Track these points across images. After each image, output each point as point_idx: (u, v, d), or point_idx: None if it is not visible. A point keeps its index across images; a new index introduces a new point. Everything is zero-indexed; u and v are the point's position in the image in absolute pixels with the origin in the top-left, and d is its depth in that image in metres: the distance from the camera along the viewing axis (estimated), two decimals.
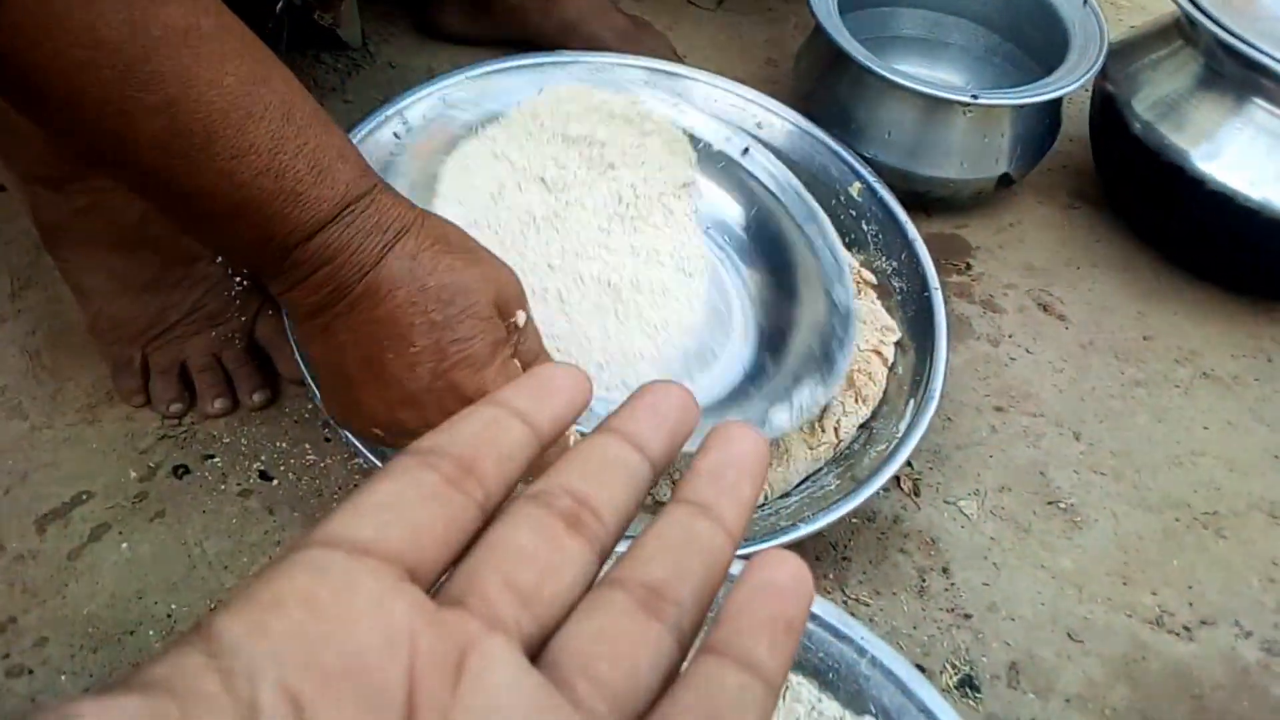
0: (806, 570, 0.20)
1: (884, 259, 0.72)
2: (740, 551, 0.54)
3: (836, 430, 0.64)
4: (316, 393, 0.52)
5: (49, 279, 0.72)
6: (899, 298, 0.71)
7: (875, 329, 0.67)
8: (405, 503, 0.19)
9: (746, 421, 0.23)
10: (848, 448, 0.65)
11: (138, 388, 0.66)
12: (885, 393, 0.67)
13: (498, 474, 0.20)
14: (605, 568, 0.21)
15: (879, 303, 0.70)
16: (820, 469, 0.64)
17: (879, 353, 0.67)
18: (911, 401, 0.64)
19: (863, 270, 0.71)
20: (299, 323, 0.46)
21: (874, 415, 0.66)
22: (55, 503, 0.61)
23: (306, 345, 0.48)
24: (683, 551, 0.20)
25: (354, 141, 0.69)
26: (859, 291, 0.70)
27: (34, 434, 0.65)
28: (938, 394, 0.64)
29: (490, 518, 0.20)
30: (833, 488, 0.62)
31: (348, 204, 0.42)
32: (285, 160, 0.40)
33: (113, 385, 0.67)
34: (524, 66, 0.77)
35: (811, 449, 0.63)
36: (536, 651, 0.19)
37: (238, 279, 0.66)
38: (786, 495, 0.63)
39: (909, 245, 0.71)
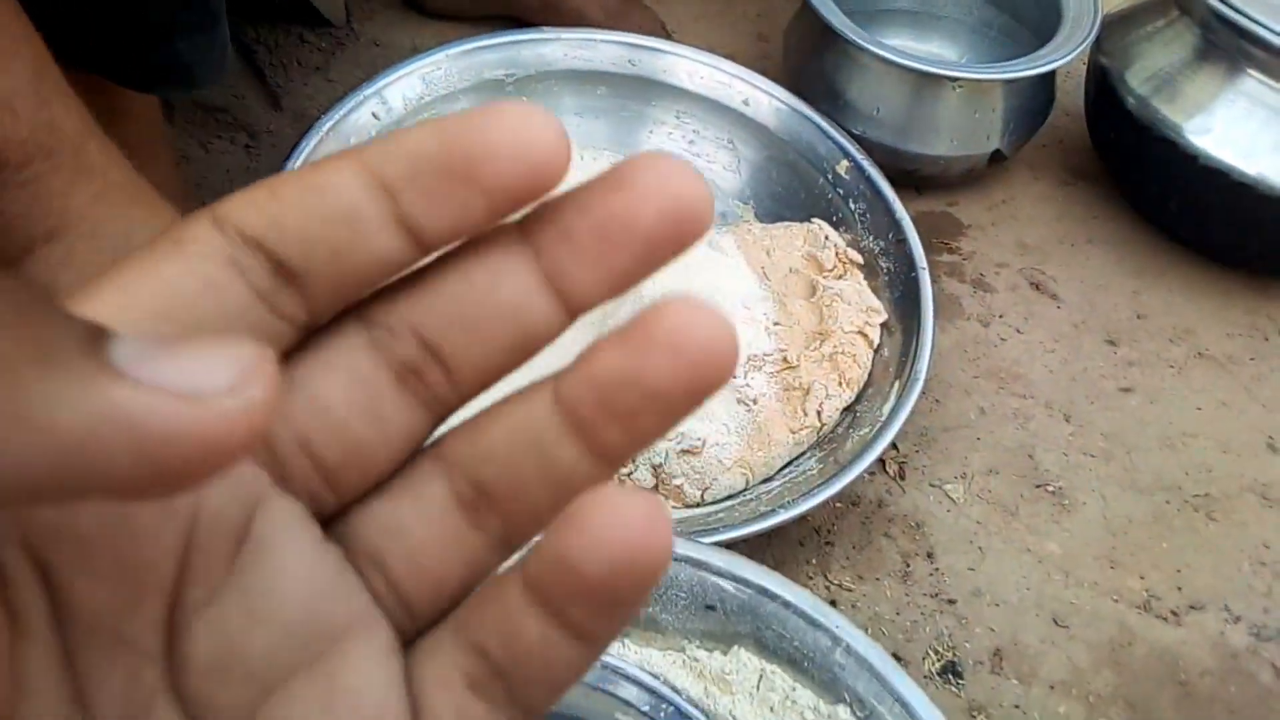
0: (666, 528, 0.14)
1: (871, 238, 0.71)
2: (715, 539, 0.54)
3: (819, 413, 0.63)
4: None
5: None
6: (886, 278, 0.69)
7: (860, 310, 0.66)
8: (202, 320, 0.14)
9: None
10: (831, 431, 0.64)
11: None
12: (870, 375, 0.66)
13: (332, 292, 0.15)
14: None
15: (865, 283, 0.69)
16: (803, 453, 0.63)
17: (864, 334, 0.66)
18: (896, 383, 0.63)
19: (849, 250, 0.70)
20: None
21: (858, 398, 0.65)
22: None
23: None
24: (530, 461, 0.15)
25: (333, 122, 0.69)
26: (844, 272, 0.68)
27: None
28: (923, 376, 0.63)
29: (307, 332, 0.15)
30: (815, 471, 0.61)
31: None
32: None
33: None
34: (506, 44, 0.76)
35: (794, 432, 0.62)
36: (331, 513, 0.16)
37: None
38: (768, 480, 0.62)
39: (896, 224, 0.70)
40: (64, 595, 0.13)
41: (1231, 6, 0.71)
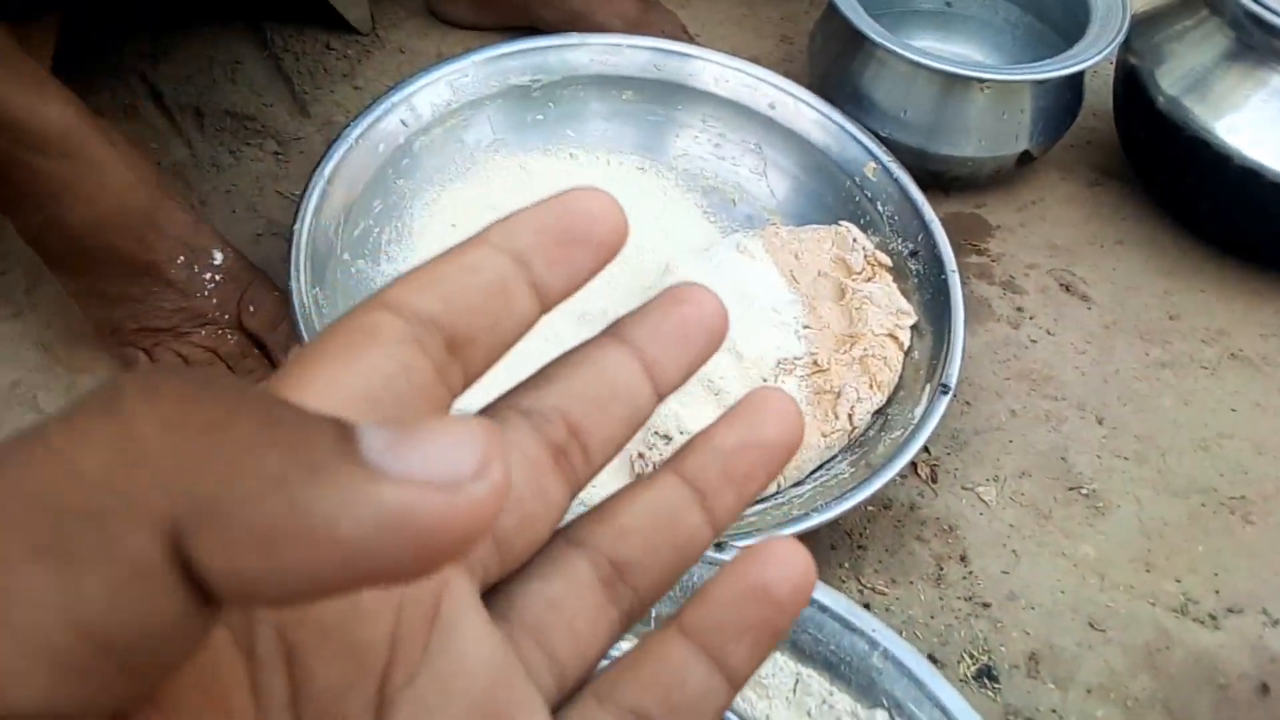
0: (812, 572, 0.18)
1: (899, 240, 0.71)
2: (748, 544, 0.54)
3: (851, 416, 0.63)
4: None
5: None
6: (915, 280, 0.69)
7: (890, 313, 0.66)
8: (400, 401, 0.16)
9: (787, 395, 0.20)
10: (862, 434, 0.63)
11: None
12: (901, 378, 0.65)
13: (486, 359, 0.17)
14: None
15: (894, 286, 0.68)
16: (833, 456, 0.63)
17: (894, 337, 0.66)
18: (928, 387, 0.63)
19: (877, 253, 0.69)
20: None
21: (889, 401, 0.65)
22: None
23: None
24: (661, 538, 0.19)
25: (362, 129, 0.70)
26: (873, 274, 0.68)
27: None
28: (955, 379, 0.62)
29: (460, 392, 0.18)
30: (846, 475, 0.61)
31: None
32: None
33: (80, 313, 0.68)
34: (532, 50, 0.77)
35: (825, 436, 0.62)
36: (491, 586, 0.18)
37: (206, 276, 0.66)
38: (799, 484, 0.62)
39: (925, 227, 0.70)
40: (302, 676, 0.15)
41: (1263, 5, 0.70)
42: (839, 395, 0.63)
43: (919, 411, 0.62)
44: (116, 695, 0.11)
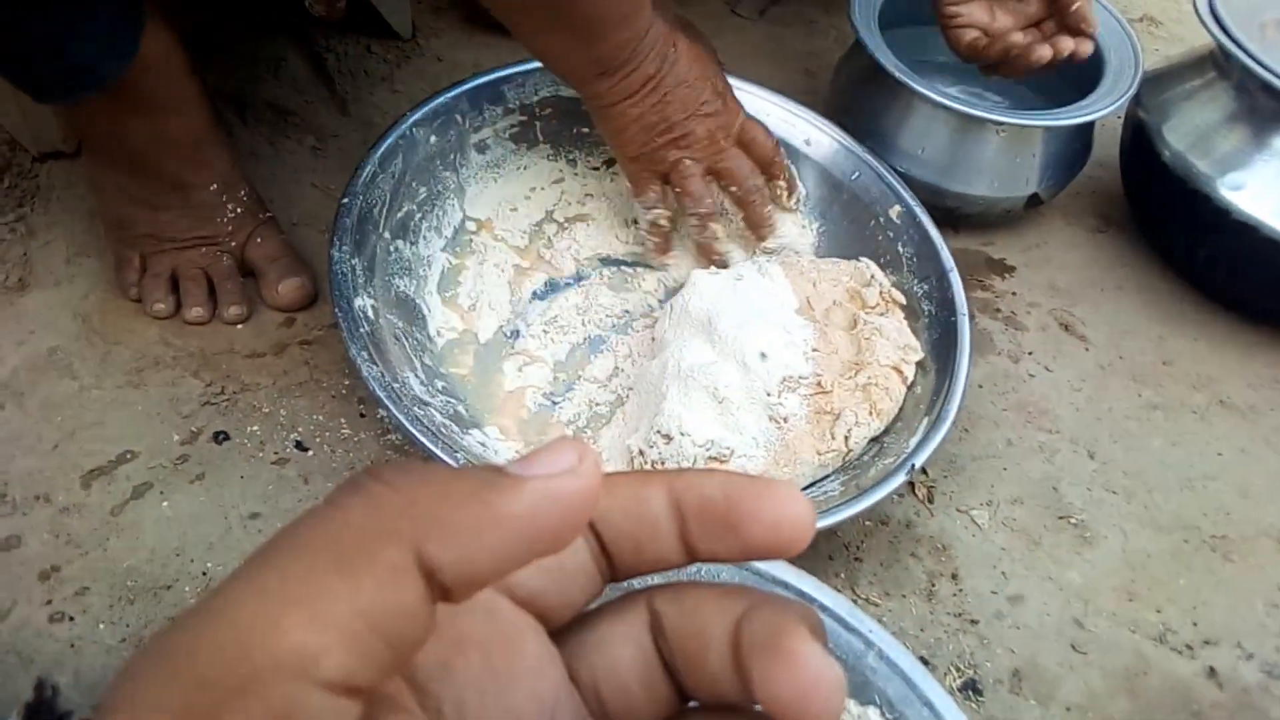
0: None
1: (915, 281, 0.73)
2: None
3: (847, 439, 0.64)
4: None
5: (103, 246, 0.75)
6: (926, 320, 0.72)
7: (898, 347, 0.68)
8: (563, 569, 0.21)
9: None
10: (856, 459, 0.66)
11: (133, 283, 0.72)
12: (901, 410, 0.67)
13: (628, 569, 0.22)
14: None
15: (905, 323, 0.71)
16: (826, 476, 0.65)
17: (899, 370, 0.67)
18: (925, 419, 0.65)
19: (893, 290, 0.72)
20: (630, 98, 0.67)
21: (886, 430, 0.67)
22: (101, 460, 0.64)
23: (633, 113, 0.68)
24: None
25: (417, 118, 0.73)
26: (886, 310, 0.71)
27: (83, 394, 0.67)
28: (952, 415, 0.64)
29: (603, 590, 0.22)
30: (836, 494, 0.62)
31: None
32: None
33: (114, 278, 0.73)
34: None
35: (820, 454, 0.64)
36: None
37: (230, 206, 0.73)
38: None
39: (943, 272, 0.72)
40: None
41: (1268, 69, 0.74)
42: (838, 417, 0.65)
43: (914, 442, 0.64)
44: (383, 668, 0.16)
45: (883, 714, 0.50)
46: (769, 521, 0.20)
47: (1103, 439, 0.75)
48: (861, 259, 0.74)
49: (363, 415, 0.69)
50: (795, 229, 0.77)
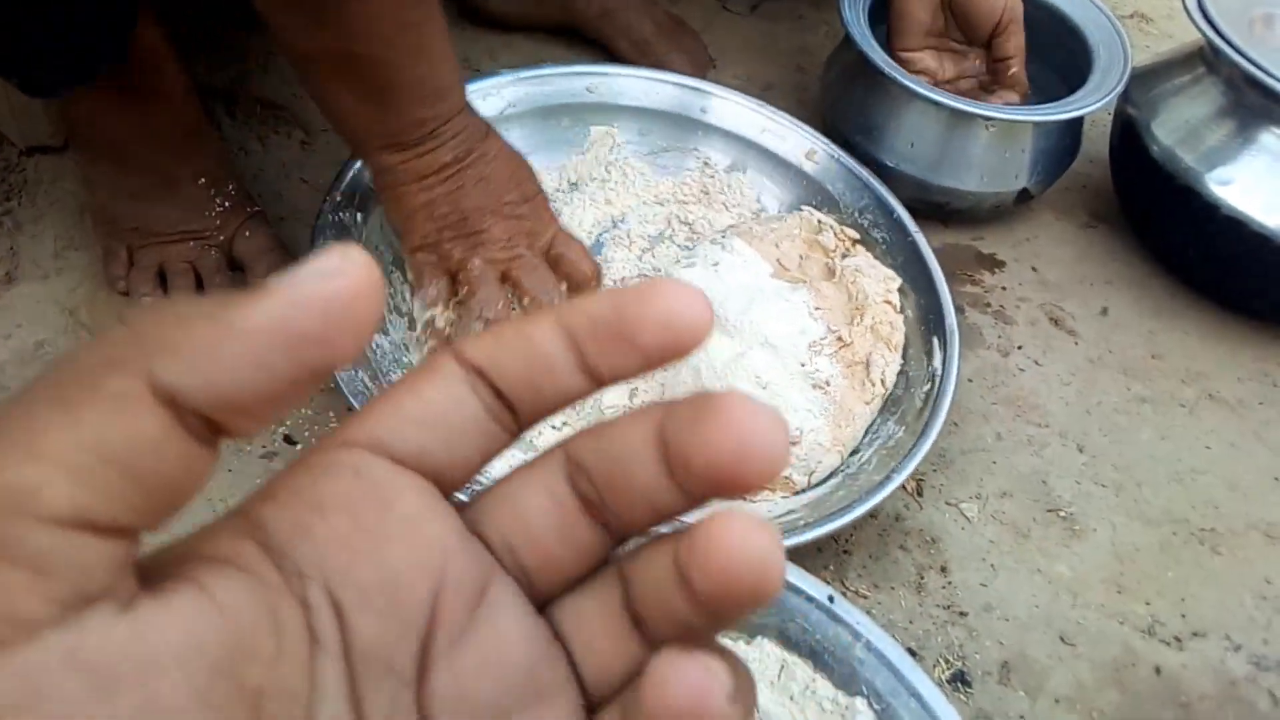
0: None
1: (856, 214, 0.77)
2: (832, 527, 0.58)
3: (883, 381, 0.68)
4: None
5: (91, 239, 0.74)
6: (884, 246, 0.75)
7: (879, 280, 0.71)
8: (449, 424, 0.19)
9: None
10: (892, 394, 0.68)
11: (120, 277, 0.72)
12: (905, 336, 0.71)
13: (533, 413, 0.20)
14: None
15: (870, 255, 0.74)
16: (875, 420, 0.68)
17: (889, 302, 0.71)
18: (934, 339, 0.69)
19: (845, 229, 0.75)
20: (421, 181, 0.62)
21: (904, 359, 0.70)
22: None
23: (421, 199, 0.62)
24: (672, 589, 0.19)
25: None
26: (849, 249, 0.73)
27: None
28: (955, 329, 0.69)
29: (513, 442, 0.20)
30: (902, 434, 0.65)
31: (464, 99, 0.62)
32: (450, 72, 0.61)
33: (101, 272, 0.73)
34: (558, 75, 0.80)
35: (867, 403, 0.67)
36: (538, 606, 0.20)
37: (219, 200, 0.73)
38: (857, 451, 0.66)
39: (878, 198, 0.77)
40: (351, 628, 0.18)
41: (1257, 66, 0.74)
42: (868, 364, 0.68)
43: (939, 361, 0.68)
44: (127, 502, 0.15)
45: (870, 705, 0.50)
46: (660, 320, 0.18)
47: (1092, 432, 0.75)
48: (802, 208, 0.77)
49: (350, 409, 0.68)
50: None
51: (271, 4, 0.57)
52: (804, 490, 0.64)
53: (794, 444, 0.63)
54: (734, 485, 0.18)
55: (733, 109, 0.81)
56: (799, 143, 0.80)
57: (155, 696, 0.15)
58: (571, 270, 0.65)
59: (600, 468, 0.19)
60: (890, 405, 0.68)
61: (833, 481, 0.64)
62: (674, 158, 0.82)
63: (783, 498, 0.63)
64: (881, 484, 0.60)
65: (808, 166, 0.79)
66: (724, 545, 0.17)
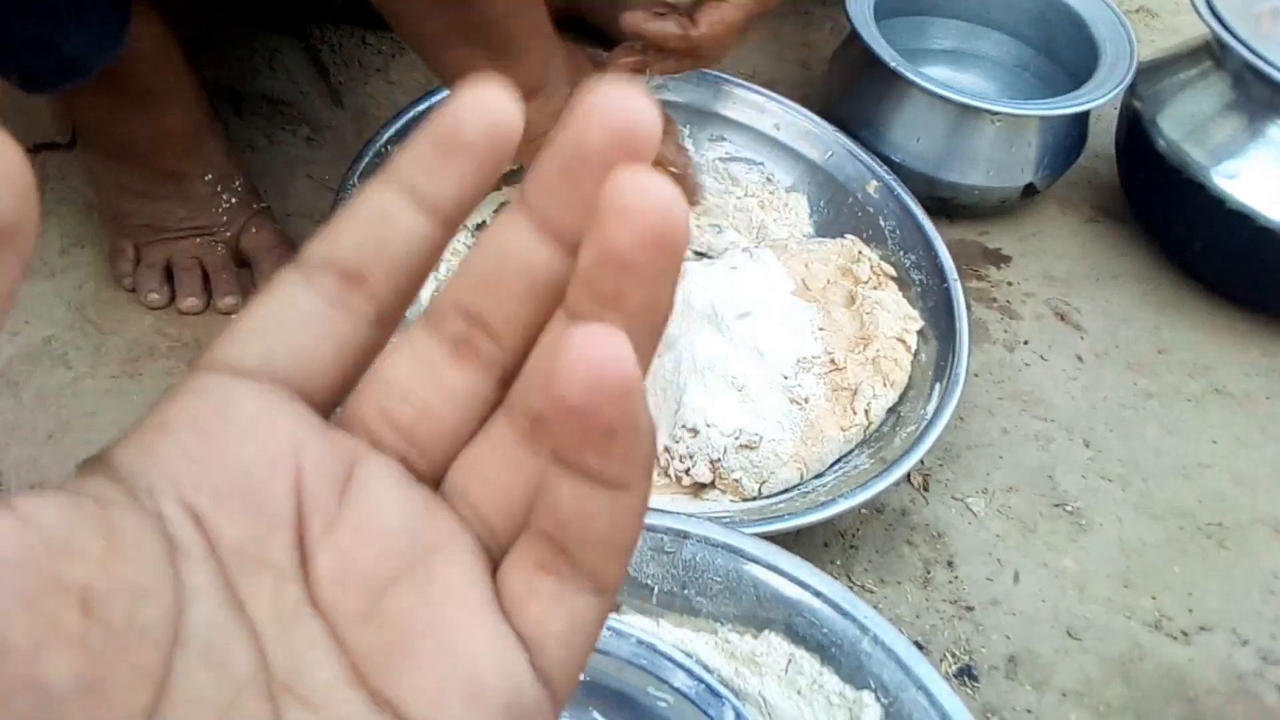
0: (620, 344, 0.16)
1: (901, 253, 0.75)
2: (766, 530, 0.57)
3: (867, 412, 0.66)
4: None
5: (98, 236, 0.75)
6: (918, 290, 0.73)
7: (898, 318, 0.70)
8: (288, 323, 0.19)
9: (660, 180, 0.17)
10: (876, 430, 0.67)
11: (127, 274, 0.72)
12: (910, 379, 0.69)
13: (389, 283, 0.19)
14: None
15: (899, 293, 0.72)
16: (851, 450, 0.66)
17: (903, 340, 0.69)
18: (938, 385, 0.67)
19: (882, 264, 0.73)
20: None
21: (901, 400, 0.68)
22: (96, 449, 0.64)
23: None
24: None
25: (416, 113, 0.74)
26: (880, 284, 0.72)
27: (77, 383, 0.67)
28: (963, 377, 0.66)
29: (385, 330, 0.20)
30: (866, 466, 0.64)
31: None
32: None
33: (108, 268, 0.73)
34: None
35: (844, 430, 0.65)
36: (428, 479, 0.19)
37: (225, 197, 0.73)
38: (821, 475, 0.65)
39: (927, 241, 0.74)
40: (213, 531, 0.17)
41: (1264, 59, 0.74)
42: (855, 392, 0.66)
43: (930, 408, 0.65)
44: None
45: (878, 698, 0.51)
46: (475, 115, 0.18)
47: (1098, 427, 0.75)
48: (847, 236, 0.76)
49: None
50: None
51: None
52: (754, 499, 0.63)
53: (751, 449, 0.63)
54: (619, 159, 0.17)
55: (802, 130, 0.82)
56: (859, 172, 0.79)
57: None
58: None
59: (469, 297, 0.19)
60: (871, 441, 0.66)
61: (784, 496, 0.63)
62: (740, 168, 0.83)
63: (731, 501, 0.63)
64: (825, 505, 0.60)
65: (863, 197, 0.79)
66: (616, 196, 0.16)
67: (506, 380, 0.19)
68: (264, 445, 0.18)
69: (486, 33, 0.60)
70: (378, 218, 0.18)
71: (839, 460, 0.65)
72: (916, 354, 0.69)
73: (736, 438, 0.62)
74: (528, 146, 0.65)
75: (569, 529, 0.17)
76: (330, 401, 0.19)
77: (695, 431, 0.63)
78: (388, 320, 0.19)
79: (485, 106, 0.18)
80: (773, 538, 0.57)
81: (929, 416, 0.64)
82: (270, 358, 0.18)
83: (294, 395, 0.19)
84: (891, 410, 0.67)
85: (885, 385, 0.66)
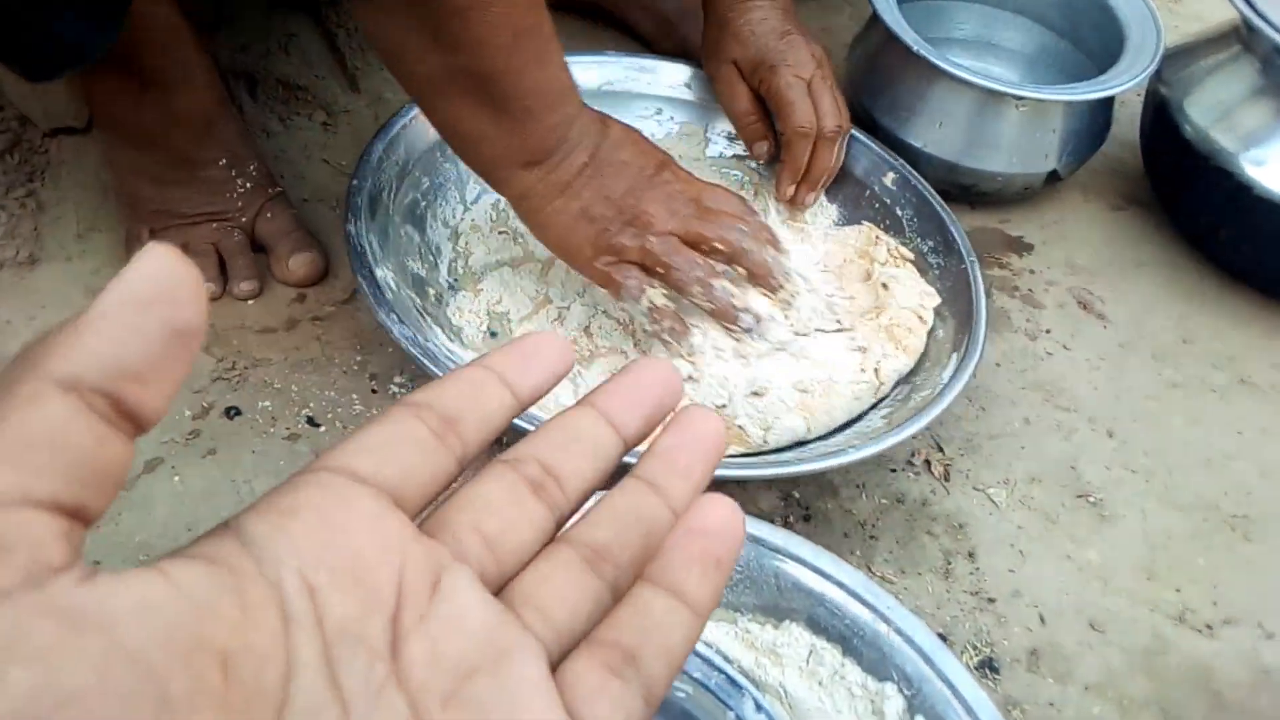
0: (738, 514, 0.23)
1: (919, 240, 0.75)
2: (776, 473, 0.57)
3: (877, 371, 0.66)
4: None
5: (114, 221, 0.74)
6: (937, 271, 0.73)
7: (915, 293, 0.70)
8: (397, 446, 0.22)
9: (707, 408, 0.26)
10: (890, 392, 0.67)
11: None
12: (927, 351, 0.68)
13: (476, 433, 0.24)
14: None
15: (917, 274, 0.72)
16: (865, 414, 0.66)
17: (919, 314, 0.69)
18: (954, 355, 0.66)
19: (900, 248, 0.73)
20: (566, 190, 0.61)
21: (916, 370, 0.68)
22: None
23: (574, 208, 0.62)
24: (627, 522, 0.24)
25: (398, 130, 0.73)
26: (897, 264, 0.71)
27: None
28: (981, 343, 0.66)
29: (463, 469, 0.24)
30: (880, 425, 0.64)
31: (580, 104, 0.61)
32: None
33: (124, 253, 0.73)
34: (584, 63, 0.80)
35: (853, 384, 0.65)
36: (495, 591, 0.23)
37: (240, 181, 0.73)
38: (831, 433, 0.65)
39: (944, 226, 0.74)
40: (323, 606, 0.20)
41: None
42: (865, 352, 0.66)
43: (946, 374, 0.65)
44: (66, 484, 0.17)
45: (900, 690, 0.50)
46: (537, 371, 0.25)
47: (1122, 417, 0.74)
48: (864, 223, 0.76)
49: (374, 391, 0.68)
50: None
51: (386, 29, 0.56)
52: (760, 450, 0.63)
53: (759, 395, 0.62)
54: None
55: None
56: (875, 164, 0.78)
57: (121, 640, 0.16)
58: (723, 213, 0.64)
59: (546, 453, 0.24)
60: (884, 404, 0.66)
61: (793, 452, 0.63)
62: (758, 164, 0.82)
63: (736, 451, 0.62)
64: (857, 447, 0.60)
65: (880, 189, 0.78)
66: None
67: (561, 521, 0.24)
68: (376, 538, 0.21)
69: (485, 88, 0.56)
70: (473, 383, 0.24)
71: (851, 422, 0.65)
72: (933, 331, 0.69)
73: (746, 387, 0.62)
74: (521, 205, 0.63)
75: (649, 637, 0.21)
76: (415, 513, 0.23)
77: (759, 394, 0.63)
78: (464, 460, 0.24)
79: (562, 350, 0.26)
80: (789, 527, 0.57)
81: (945, 381, 0.64)
82: (380, 468, 0.22)
83: (396, 503, 0.22)
84: (906, 380, 0.67)
85: (897, 349, 0.66)
